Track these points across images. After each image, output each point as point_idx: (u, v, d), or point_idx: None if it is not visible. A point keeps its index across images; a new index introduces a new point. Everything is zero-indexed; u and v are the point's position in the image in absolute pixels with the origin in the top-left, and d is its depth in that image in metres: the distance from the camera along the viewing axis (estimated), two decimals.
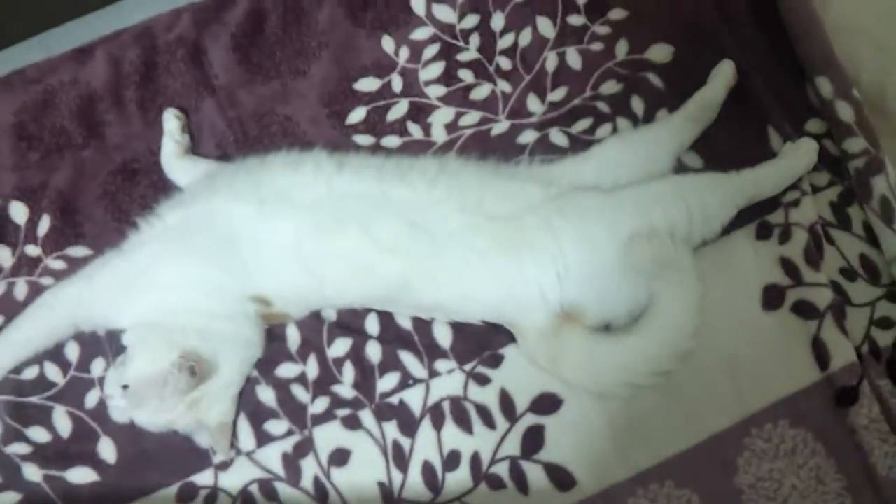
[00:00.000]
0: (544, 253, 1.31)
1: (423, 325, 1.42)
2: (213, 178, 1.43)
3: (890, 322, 1.39)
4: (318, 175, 1.36)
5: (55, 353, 1.44)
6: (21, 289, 1.49)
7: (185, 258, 1.35)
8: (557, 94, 1.55)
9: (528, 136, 1.53)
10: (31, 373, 1.44)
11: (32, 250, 1.51)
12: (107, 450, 1.40)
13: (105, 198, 1.54)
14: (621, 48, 1.57)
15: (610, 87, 1.55)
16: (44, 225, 1.53)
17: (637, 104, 1.53)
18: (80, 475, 1.39)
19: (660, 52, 1.55)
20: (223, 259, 1.35)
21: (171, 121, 1.53)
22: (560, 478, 1.35)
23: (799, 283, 1.39)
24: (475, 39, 1.60)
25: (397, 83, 1.58)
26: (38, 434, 1.41)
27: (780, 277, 1.40)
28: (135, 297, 1.35)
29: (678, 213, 1.31)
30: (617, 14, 1.59)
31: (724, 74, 1.47)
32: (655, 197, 1.34)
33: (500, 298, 1.34)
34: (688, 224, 1.32)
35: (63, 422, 1.41)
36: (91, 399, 1.42)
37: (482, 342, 1.41)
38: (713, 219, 1.35)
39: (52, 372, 1.44)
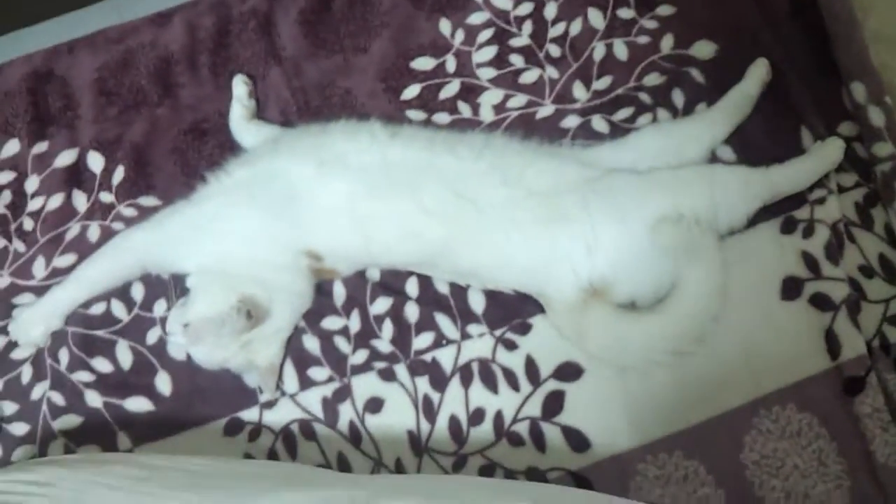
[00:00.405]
0: (576, 227, 1.37)
1: (458, 291, 1.50)
2: (277, 140, 1.53)
3: None
4: (373, 143, 1.45)
5: (122, 292, 1.54)
6: (94, 231, 1.59)
7: (248, 211, 1.45)
8: (602, 83, 1.61)
9: (572, 121, 1.58)
10: (98, 308, 1.54)
11: (106, 197, 1.62)
12: (163, 383, 1.50)
13: (175, 153, 1.63)
14: (667, 43, 1.62)
15: (653, 79, 1.60)
16: (118, 175, 1.63)
17: (678, 97, 1.58)
18: (138, 404, 1.49)
19: (703, 49, 1.60)
20: (282, 214, 1.43)
21: (239, 86, 1.63)
22: (576, 440, 1.41)
23: (818, 277, 1.45)
24: (528, 26, 1.66)
25: (451, 64, 1.65)
26: (102, 364, 1.51)
27: (801, 270, 1.45)
28: (200, 245, 1.45)
29: (704, 199, 1.37)
30: (665, 10, 1.64)
31: (758, 72, 1.53)
32: (684, 182, 1.40)
33: (533, 268, 1.40)
34: (712, 211, 1.38)
35: (125, 355, 1.51)
36: (152, 336, 1.52)
37: (513, 310, 1.48)
38: (737, 209, 1.41)
39: (118, 309, 1.54)
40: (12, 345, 1.53)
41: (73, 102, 1.69)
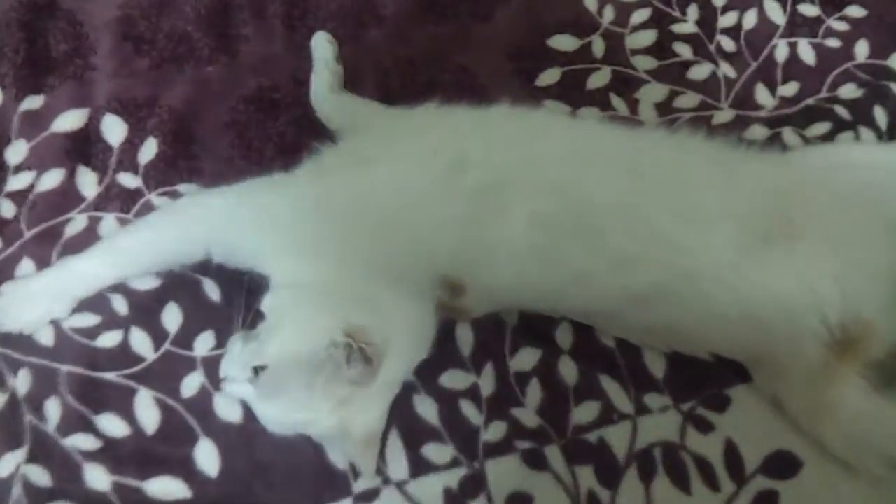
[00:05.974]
0: (814, 249, 1.10)
1: (628, 344, 1.19)
2: (422, 115, 1.22)
3: None
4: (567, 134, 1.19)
5: (147, 319, 1.17)
6: (109, 226, 1.23)
7: (374, 208, 1.10)
8: (789, 89, 1.44)
9: (758, 132, 1.38)
10: (110, 339, 1.16)
11: (129, 180, 1.28)
12: (207, 456, 1.11)
13: (232, 129, 1.34)
14: (861, 49, 1.47)
15: (850, 90, 1.43)
16: (147, 150, 1.30)
17: (880, 116, 1.39)
18: (166, 488, 1.10)
19: None
20: (422, 220, 1.10)
21: (323, 46, 1.37)
22: None
23: None
24: (693, 11, 1.50)
25: (598, 46, 1.46)
26: (112, 425, 1.12)
27: None
28: (296, 241, 1.10)
29: None
30: (855, 11, 1.50)
31: None
32: None
33: (764, 312, 1.10)
34: None
35: (148, 411, 1.13)
36: (190, 385, 1.15)
37: (703, 377, 1.18)
38: None
39: (140, 341, 1.16)
40: None
41: (84, 47, 1.39)
